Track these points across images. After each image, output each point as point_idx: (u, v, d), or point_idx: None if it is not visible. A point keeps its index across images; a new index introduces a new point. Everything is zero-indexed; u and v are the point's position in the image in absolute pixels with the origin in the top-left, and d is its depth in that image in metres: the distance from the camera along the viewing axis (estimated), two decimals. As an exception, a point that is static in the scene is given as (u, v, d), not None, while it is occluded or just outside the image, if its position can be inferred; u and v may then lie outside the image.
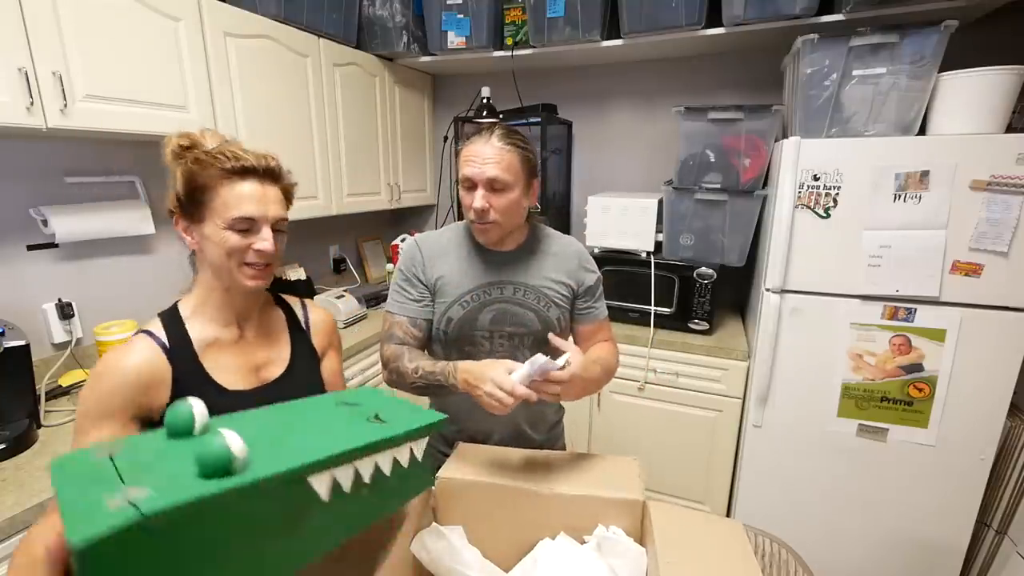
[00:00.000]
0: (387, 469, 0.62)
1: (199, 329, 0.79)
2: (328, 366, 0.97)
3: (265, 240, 0.75)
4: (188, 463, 0.45)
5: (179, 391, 0.74)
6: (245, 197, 0.74)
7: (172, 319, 0.79)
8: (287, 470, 0.50)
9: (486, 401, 0.83)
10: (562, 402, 1.11)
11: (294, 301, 0.96)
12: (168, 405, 0.66)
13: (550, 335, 0.98)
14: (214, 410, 0.64)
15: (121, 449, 0.49)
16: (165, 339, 0.76)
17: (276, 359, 0.86)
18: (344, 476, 0.57)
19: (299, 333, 0.92)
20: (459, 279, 1.02)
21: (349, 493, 0.58)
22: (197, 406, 0.51)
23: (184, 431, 0.51)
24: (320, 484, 0.54)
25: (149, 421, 0.74)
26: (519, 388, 0.80)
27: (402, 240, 2.59)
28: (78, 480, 0.43)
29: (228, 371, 0.80)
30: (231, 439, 0.46)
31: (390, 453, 0.63)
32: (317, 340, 0.94)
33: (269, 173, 0.77)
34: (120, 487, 0.41)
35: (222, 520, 0.44)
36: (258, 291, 0.81)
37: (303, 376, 0.89)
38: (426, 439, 0.67)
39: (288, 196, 0.82)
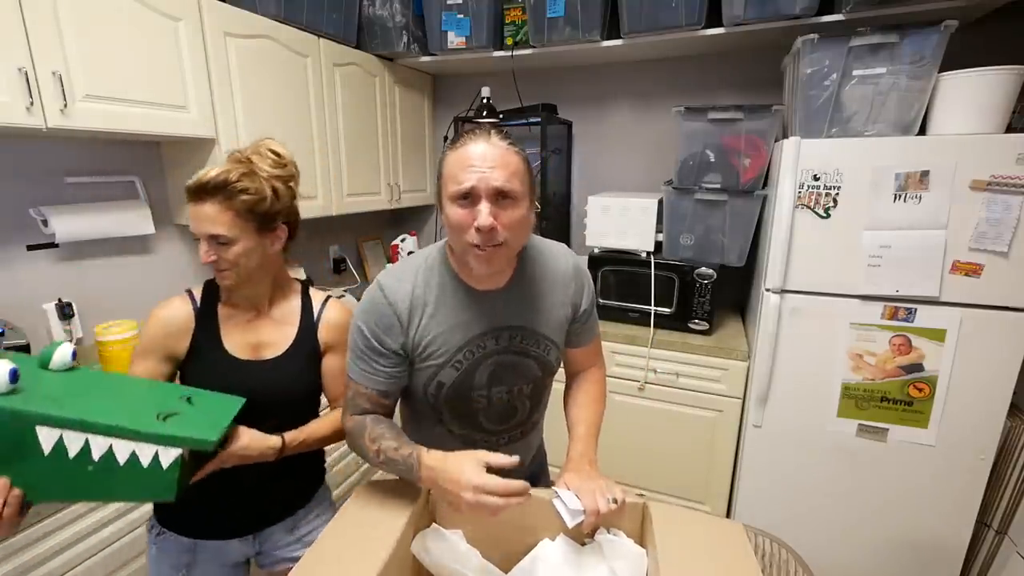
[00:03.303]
0: (121, 458, 0.68)
1: (226, 301, 0.96)
2: (329, 363, 1.03)
3: (200, 253, 0.88)
4: None
5: (195, 342, 0.93)
6: (190, 217, 0.88)
7: (210, 287, 0.97)
8: (17, 409, 0.62)
9: (472, 510, 0.70)
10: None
11: (318, 297, 1.05)
12: (188, 351, 0.92)
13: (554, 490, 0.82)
14: (217, 367, 0.92)
15: None
16: (199, 300, 0.95)
17: (277, 342, 0.98)
18: (73, 442, 0.64)
19: (309, 325, 1.01)
20: (448, 336, 0.83)
21: (72, 459, 0.65)
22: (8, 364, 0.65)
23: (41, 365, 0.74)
24: (46, 437, 0.63)
25: (180, 361, 0.94)
26: (512, 483, 0.69)
27: (402, 240, 2.59)
28: None
29: (235, 340, 0.95)
30: None
31: (131, 445, 0.67)
32: (322, 335, 1.02)
33: (201, 191, 0.86)
34: None
35: None
36: (233, 288, 0.93)
37: (294, 362, 0.98)
38: (179, 451, 0.70)
39: (240, 208, 0.87)
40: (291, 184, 0.95)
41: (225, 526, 0.99)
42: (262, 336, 0.97)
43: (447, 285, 0.85)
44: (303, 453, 0.98)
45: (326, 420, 1.02)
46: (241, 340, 0.95)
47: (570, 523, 0.76)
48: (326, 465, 1.16)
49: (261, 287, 0.97)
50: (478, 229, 0.73)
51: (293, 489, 1.05)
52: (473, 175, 0.73)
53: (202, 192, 0.85)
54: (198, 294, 0.96)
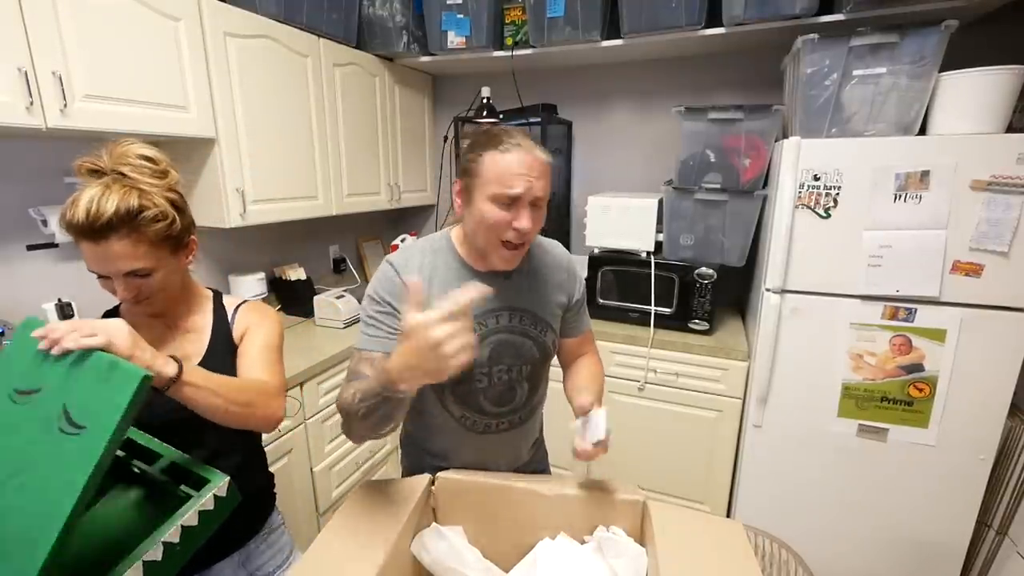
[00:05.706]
0: (177, 537, 0.70)
1: (129, 322, 0.86)
2: (247, 342, 0.95)
3: (118, 291, 0.81)
4: None
5: None
6: (89, 257, 0.78)
7: (110, 314, 0.94)
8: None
9: (445, 355, 0.60)
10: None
11: (231, 304, 1.00)
12: None
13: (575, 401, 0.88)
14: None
15: None
16: None
17: (192, 353, 0.93)
18: (154, 554, 0.66)
19: (223, 330, 0.97)
20: None
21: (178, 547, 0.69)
22: None
23: None
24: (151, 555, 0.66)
25: None
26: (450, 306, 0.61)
27: (402, 240, 2.59)
28: None
29: None
30: None
31: (175, 530, 0.70)
32: (236, 331, 0.98)
33: (103, 228, 0.75)
34: None
35: None
36: (157, 315, 0.90)
37: (211, 368, 0.91)
38: (208, 494, 0.74)
39: (154, 237, 0.79)
40: (179, 190, 0.87)
41: None
42: (175, 350, 0.92)
43: (452, 267, 0.91)
44: (250, 475, 0.90)
45: (244, 378, 0.91)
46: None
47: (589, 441, 0.81)
48: (316, 470, 1.13)
49: (179, 302, 0.94)
50: (516, 230, 0.81)
51: (242, 516, 0.90)
52: (522, 183, 0.79)
53: (104, 230, 0.75)
54: None
